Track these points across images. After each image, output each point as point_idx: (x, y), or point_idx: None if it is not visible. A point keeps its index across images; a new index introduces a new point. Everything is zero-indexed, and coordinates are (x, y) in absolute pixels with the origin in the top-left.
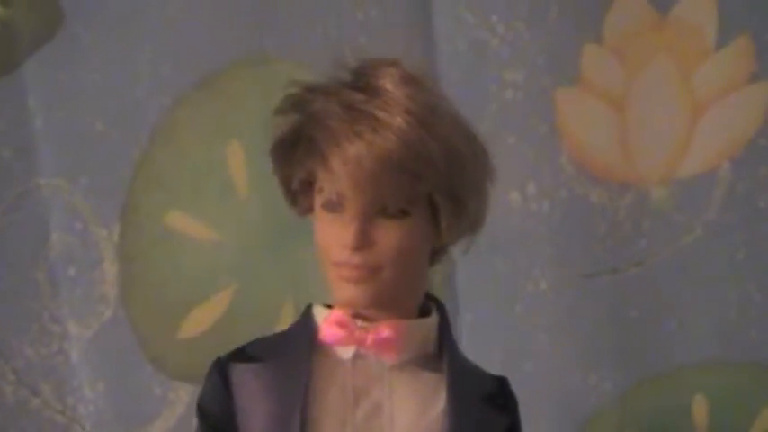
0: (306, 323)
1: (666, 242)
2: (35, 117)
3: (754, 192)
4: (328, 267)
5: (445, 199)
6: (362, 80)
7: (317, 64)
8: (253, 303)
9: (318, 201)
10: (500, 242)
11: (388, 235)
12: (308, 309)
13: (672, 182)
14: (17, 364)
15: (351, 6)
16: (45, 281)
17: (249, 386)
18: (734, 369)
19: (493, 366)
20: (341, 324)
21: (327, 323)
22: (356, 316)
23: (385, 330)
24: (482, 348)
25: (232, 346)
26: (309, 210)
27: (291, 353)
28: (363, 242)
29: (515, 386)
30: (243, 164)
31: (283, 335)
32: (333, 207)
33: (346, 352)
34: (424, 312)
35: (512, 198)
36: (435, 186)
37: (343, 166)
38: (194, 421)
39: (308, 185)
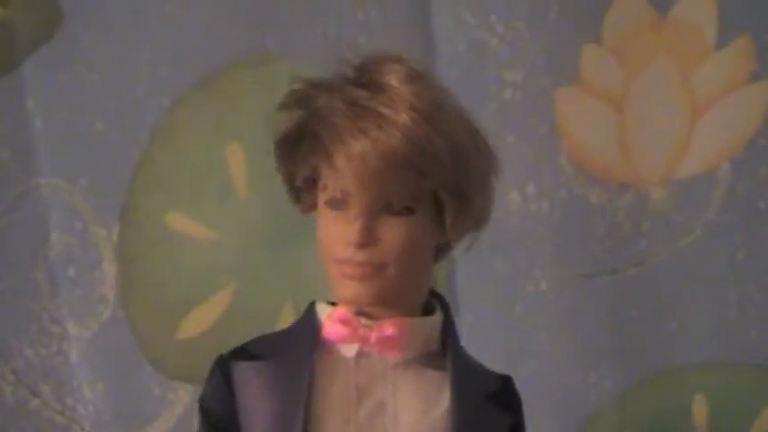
0: (309, 321)
1: (666, 242)
2: (34, 117)
3: (753, 192)
4: (331, 265)
5: (450, 196)
6: (367, 76)
7: (317, 64)
8: (252, 304)
9: (322, 198)
10: (500, 242)
11: (393, 232)
12: (312, 306)
13: (671, 182)
14: (16, 365)
15: (350, 6)
16: (44, 281)
17: (251, 384)
18: (734, 369)
19: (493, 366)
20: (344, 322)
21: (331, 321)
22: (359, 314)
23: (389, 328)
24: (482, 348)
25: (231, 346)
26: (313, 207)
27: (294, 351)
28: (368, 239)
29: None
30: (242, 164)
31: (286, 332)
32: (337, 204)
33: (350, 350)
34: (427, 310)
35: (511, 198)
36: (440, 183)
37: (348, 164)
38: (194, 422)
39: (312, 182)
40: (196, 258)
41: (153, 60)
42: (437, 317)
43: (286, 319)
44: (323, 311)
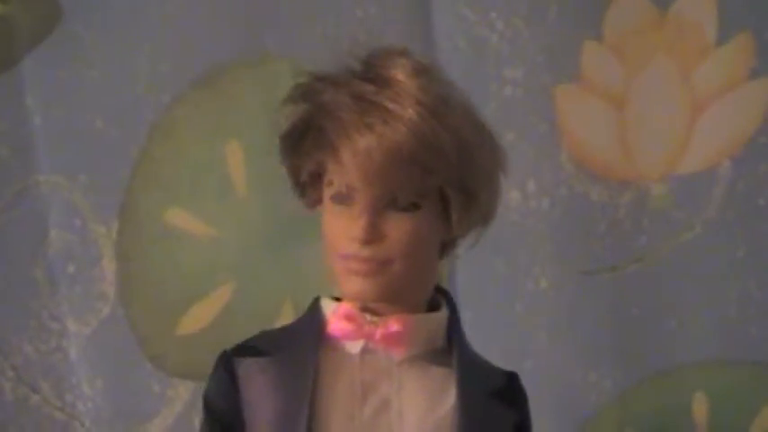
0: (313, 316)
1: (666, 240)
2: (34, 114)
3: (754, 189)
4: (336, 260)
5: (456, 191)
6: (373, 71)
7: (317, 62)
8: (252, 301)
9: (327, 193)
10: (500, 240)
11: (399, 228)
12: (316, 301)
13: (672, 179)
14: (16, 362)
15: (350, 4)
16: (44, 278)
17: (256, 380)
18: (734, 367)
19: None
20: (349, 318)
21: (336, 317)
22: (365, 310)
23: (394, 324)
24: (482, 346)
25: (231, 343)
26: (318, 202)
27: (299, 347)
28: (373, 235)
29: None
30: (242, 162)
31: (291, 328)
32: (342, 199)
33: (354, 346)
34: (433, 306)
35: (511, 196)
36: (446, 179)
37: (354, 159)
38: (195, 419)
39: (317, 177)
40: (195, 255)
41: (152, 58)
42: (442, 313)
43: (286, 317)
44: (328, 307)
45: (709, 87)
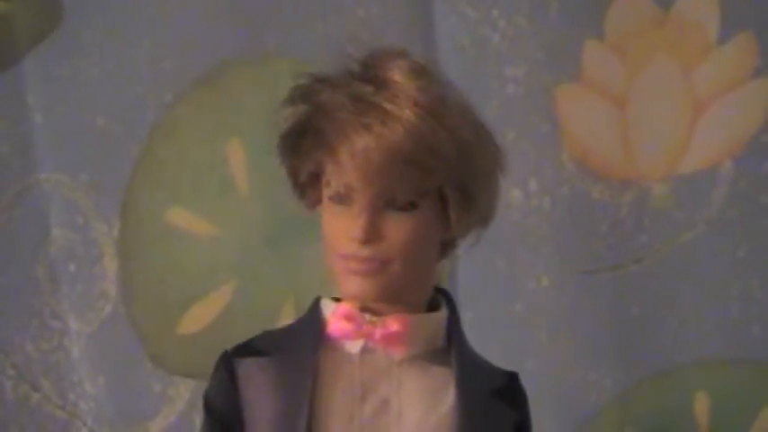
0: (313, 317)
1: (667, 239)
2: (35, 113)
3: (755, 189)
4: (335, 260)
5: (455, 191)
6: (371, 71)
7: (319, 61)
8: (253, 300)
9: (326, 193)
10: (501, 239)
11: (397, 228)
12: (316, 302)
13: (673, 179)
14: (17, 360)
15: (352, 3)
16: (45, 277)
17: (256, 380)
18: (736, 366)
19: (493, 363)
20: (349, 318)
21: (335, 317)
22: (364, 310)
23: (393, 324)
24: (483, 346)
25: (232, 343)
26: (318, 202)
27: (298, 347)
28: (372, 235)
29: None
30: (243, 161)
31: (291, 329)
32: (341, 199)
33: (354, 346)
34: (433, 306)
35: (513, 195)
36: (445, 178)
37: (352, 159)
38: (196, 417)
39: (316, 178)
40: (197, 254)
41: (154, 56)
42: (442, 313)
43: (287, 316)
44: (327, 308)
45: (711, 87)
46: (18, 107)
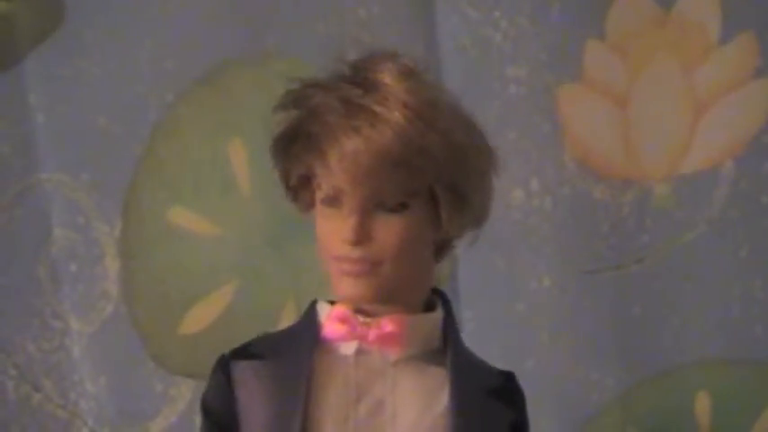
0: (309, 320)
1: (669, 239)
2: (36, 112)
3: (757, 189)
4: (329, 262)
5: (446, 191)
6: (361, 74)
7: (320, 61)
8: (254, 300)
9: (318, 196)
10: (502, 239)
11: (387, 229)
12: (313, 305)
13: (674, 178)
14: (19, 360)
15: (353, 3)
16: (47, 277)
17: (251, 383)
18: (737, 366)
19: (494, 364)
20: (342, 320)
21: (330, 320)
22: (359, 311)
23: (388, 325)
24: (484, 345)
25: (233, 343)
26: (311, 205)
27: (293, 350)
28: (362, 236)
29: None
30: (245, 161)
31: (288, 332)
32: (331, 202)
33: (349, 348)
34: (428, 307)
35: (514, 195)
36: (435, 179)
37: (341, 162)
38: (198, 421)
39: (308, 181)
40: (198, 254)
41: (156, 56)
42: (438, 313)
43: (289, 316)
44: (323, 311)
45: (712, 87)
46: (19, 107)
